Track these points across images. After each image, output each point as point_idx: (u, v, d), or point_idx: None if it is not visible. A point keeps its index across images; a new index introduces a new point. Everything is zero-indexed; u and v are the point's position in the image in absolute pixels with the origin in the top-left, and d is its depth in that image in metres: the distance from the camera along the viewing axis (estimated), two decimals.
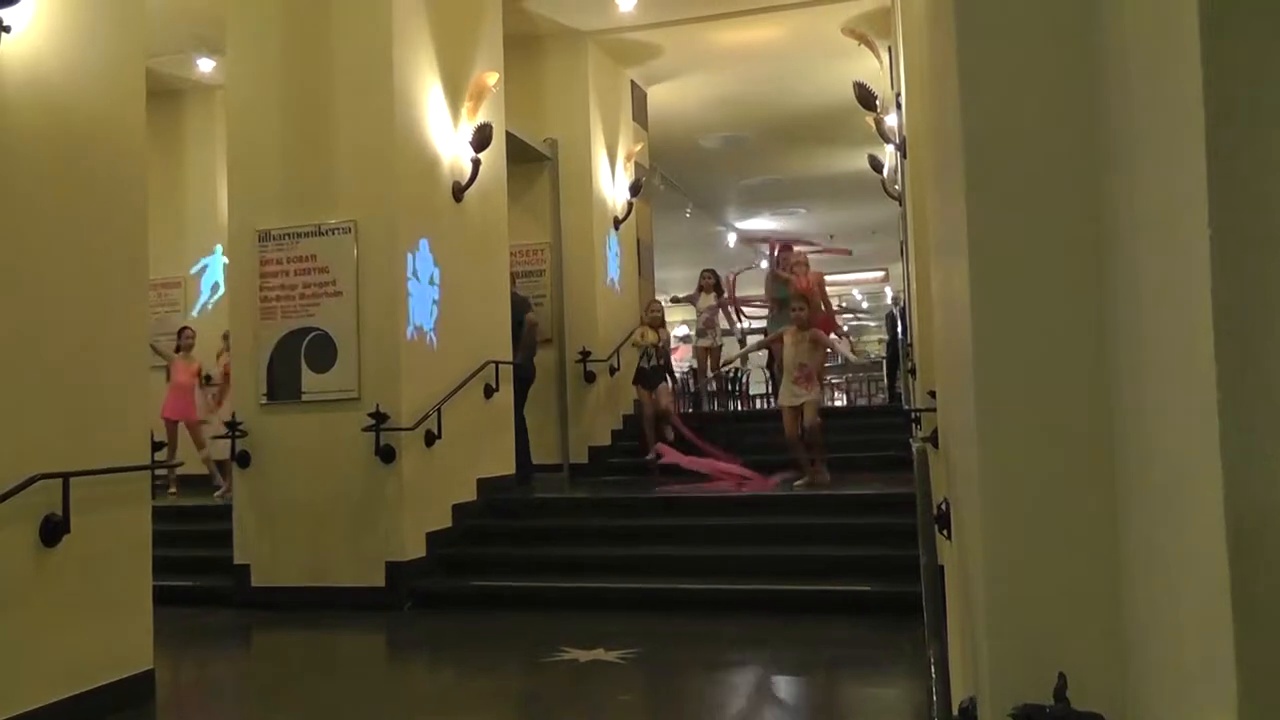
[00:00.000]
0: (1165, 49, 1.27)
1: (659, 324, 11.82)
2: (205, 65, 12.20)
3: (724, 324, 13.40)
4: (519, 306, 10.89)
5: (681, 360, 20.47)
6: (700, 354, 13.21)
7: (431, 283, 8.67)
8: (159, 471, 7.94)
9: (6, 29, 4.75)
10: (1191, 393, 1.22)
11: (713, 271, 13.18)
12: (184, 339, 11.59)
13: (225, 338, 10.88)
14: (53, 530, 5.06)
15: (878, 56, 11.27)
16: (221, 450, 10.87)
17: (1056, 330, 1.91)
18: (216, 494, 11.13)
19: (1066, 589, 1.89)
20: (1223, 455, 1.12)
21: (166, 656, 5.98)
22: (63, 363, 5.24)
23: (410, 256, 8.40)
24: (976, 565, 2.10)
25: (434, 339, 8.69)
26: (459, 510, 8.95)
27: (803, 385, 9.53)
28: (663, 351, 11.77)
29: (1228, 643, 1.12)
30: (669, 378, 12.08)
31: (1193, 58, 1.11)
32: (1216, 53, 1.10)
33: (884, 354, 18.14)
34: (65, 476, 5.08)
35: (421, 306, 8.51)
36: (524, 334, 10.66)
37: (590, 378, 11.91)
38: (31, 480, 4.90)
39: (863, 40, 10.89)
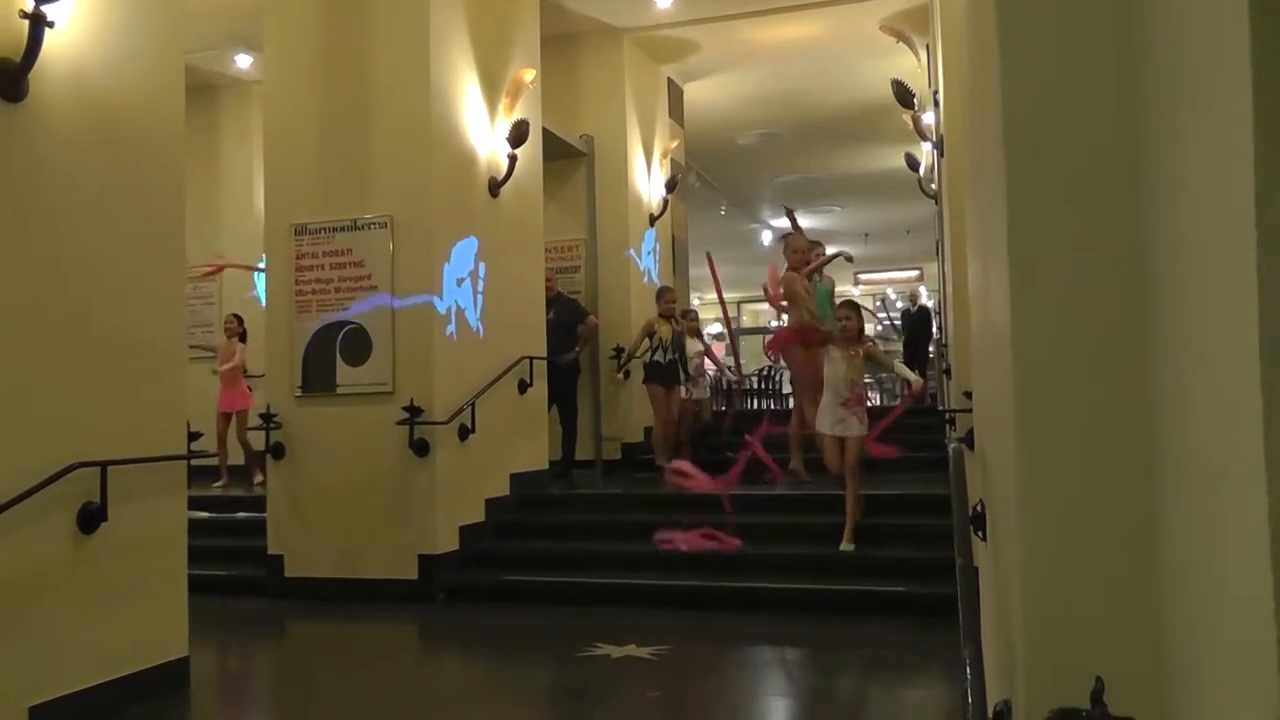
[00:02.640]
0: (1212, 47, 1.25)
1: (671, 315, 10.94)
2: (243, 61, 12.28)
3: (712, 369, 12.59)
4: (576, 310, 11.06)
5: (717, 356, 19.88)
6: (687, 407, 11.16)
7: (466, 277, 8.69)
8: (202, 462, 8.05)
9: (50, 24, 4.79)
10: (1235, 396, 1.20)
11: (695, 311, 11.44)
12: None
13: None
14: (91, 518, 5.12)
15: (916, 54, 11.22)
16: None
17: (1097, 332, 1.89)
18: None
19: (1104, 592, 1.88)
20: (1267, 458, 1.11)
21: (201, 644, 6.02)
22: (101, 352, 5.29)
23: (445, 251, 8.43)
24: (1013, 568, 2.08)
25: (469, 333, 8.72)
26: (492, 504, 8.98)
27: (853, 409, 7.94)
28: (677, 345, 10.88)
29: (1269, 648, 1.10)
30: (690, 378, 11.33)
31: (1242, 53, 1.10)
32: (1267, 48, 1.08)
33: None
34: (103, 465, 5.14)
35: (456, 301, 8.54)
36: (584, 332, 10.95)
37: (625, 374, 11.89)
38: (70, 468, 4.96)
39: (901, 37, 10.83)
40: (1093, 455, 1.89)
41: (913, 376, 8.45)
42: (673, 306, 11.10)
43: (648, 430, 11.92)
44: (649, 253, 12.76)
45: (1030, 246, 1.96)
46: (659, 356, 10.77)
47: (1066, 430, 1.92)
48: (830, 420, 8.00)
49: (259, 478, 10.78)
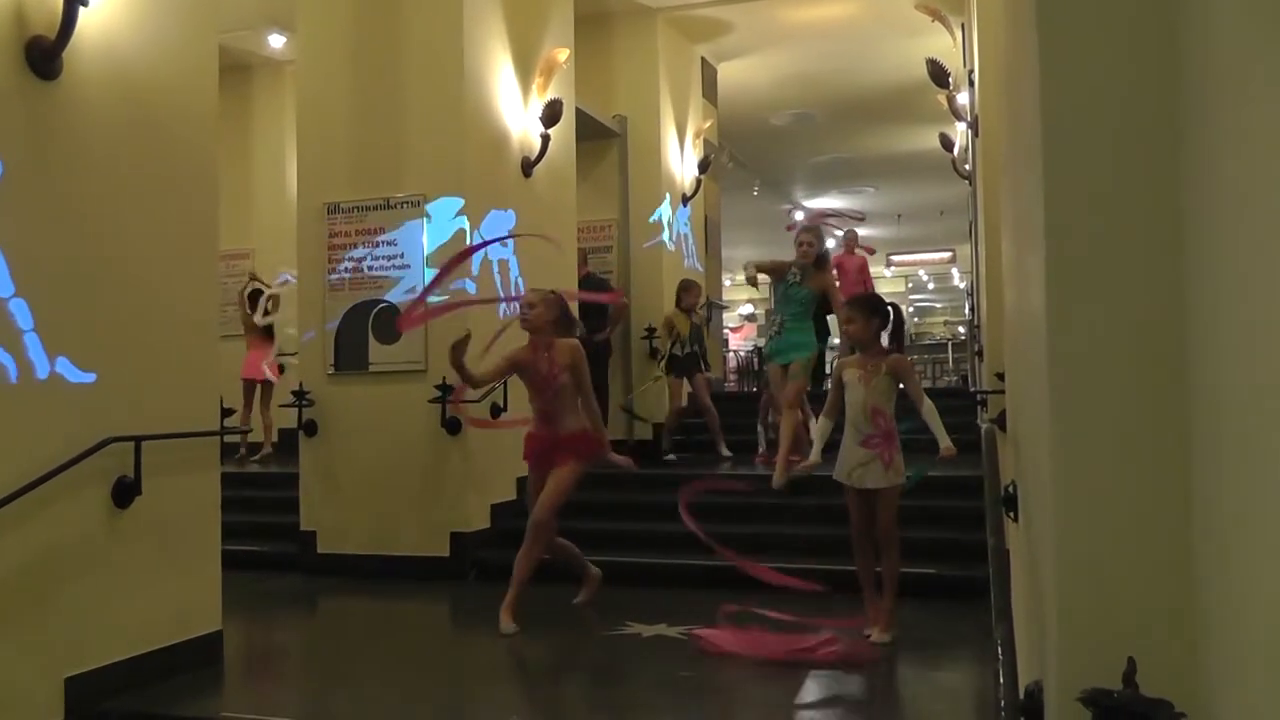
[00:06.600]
0: (1255, 26, 1.24)
1: (691, 309, 11.06)
2: (276, 41, 12.34)
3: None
4: (607, 290, 11.03)
5: (745, 339, 19.63)
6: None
7: (498, 257, 8.70)
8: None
9: (84, 2, 4.81)
10: (1275, 378, 1.19)
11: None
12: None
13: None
14: (124, 492, 5.16)
15: (951, 33, 11.12)
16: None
17: (1134, 312, 1.88)
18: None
19: (1137, 574, 1.87)
20: None
21: (234, 619, 6.08)
22: (135, 328, 5.32)
23: (479, 230, 8.43)
24: (1047, 549, 2.07)
25: (501, 312, 8.73)
26: (523, 483, 8.96)
27: (879, 448, 5.87)
28: (696, 337, 11.04)
29: None
30: (704, 367, 11.29)
31: None
32: None
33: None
34: (137, 440, 5.17)
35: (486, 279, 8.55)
36: (613, 313, 10.86)
37: (655, 355, 11.87)
38: (104, 443, 5.01)
39: (936, 16, 10.72)
40: (1127, 436, 1.88)
41: (945, 441, 6.01)
42: (695, 301, 11.23)
43: (679, 410, 11.78)
44: (683, 225, 12.78)
45: (1067, 227, 1.94)
46: (677, 350, 11.02)
47: (1101, 411, 1.90)
48: (847, 466, 5.97)
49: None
